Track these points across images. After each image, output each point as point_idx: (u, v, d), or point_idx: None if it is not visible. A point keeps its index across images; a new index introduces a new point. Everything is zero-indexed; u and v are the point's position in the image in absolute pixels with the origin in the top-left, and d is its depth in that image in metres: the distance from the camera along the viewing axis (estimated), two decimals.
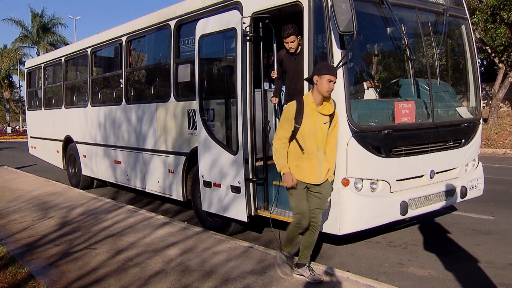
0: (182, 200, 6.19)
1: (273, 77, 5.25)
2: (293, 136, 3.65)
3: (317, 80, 3.59)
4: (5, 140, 34.18)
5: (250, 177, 4.91)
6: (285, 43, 4.82)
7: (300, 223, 3.69)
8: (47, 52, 30.66)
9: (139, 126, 6.95)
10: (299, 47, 4.79)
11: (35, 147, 11.59)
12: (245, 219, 4.89)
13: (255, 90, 5.02)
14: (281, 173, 3.68)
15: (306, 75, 4.27)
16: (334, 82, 3.60)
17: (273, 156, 3.75)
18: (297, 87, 4.77)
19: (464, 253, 4.73)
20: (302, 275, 3.79)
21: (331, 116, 3.69)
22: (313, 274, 3.76)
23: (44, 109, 10.76)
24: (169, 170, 6.37)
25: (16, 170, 11.91)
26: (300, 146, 3.64)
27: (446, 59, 5.96)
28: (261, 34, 4.99)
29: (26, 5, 61.00)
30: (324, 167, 3.72)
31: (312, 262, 3.92)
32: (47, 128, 10.56)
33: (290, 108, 3.67)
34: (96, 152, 8.38)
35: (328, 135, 3.71)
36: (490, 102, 18.01)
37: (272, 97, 5.23)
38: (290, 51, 4.84)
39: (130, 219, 6.02)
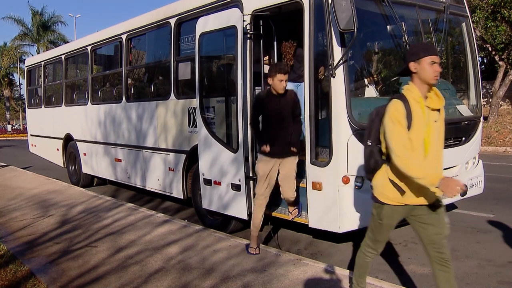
0: (182, 198, 6.20)
1: None
2: None
3: (416, 68, 2.72)
4: (5, 138, 34.22)
5: (251, 175, 4.90)
6: (278, 81, 4.20)
7: (378, 250, 3.10)
8: (47, 50, 30.68)
9: (139, 124, 6.95)
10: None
11: (35, 145, 11.59)
12: (245, 217, 4.89)
13: (256, 88, 5.01)
14: (437, 185, 2.62)
15: (307, 80, 4.24)
16: (439, 63, 2.73)
17: (410, 173, 2.67)
18: (280, 136, 4.28)
19: (464, 251, 4.73)
20: None
21: (439, 111, 2.81)
22: None
23: (44, 107, 10.75)
24: (169, 168, 6.37)
25: (17, 168, 11.91)
26: None
27: (446, 57, 5.94)
28: (261, 32, 4.98)
29: (26, 3, 61.15)
30: None
31: None
32: (47, 126, 10.56)
33: (399, 106, 2.69)
34: (97, 150, 8.38)
35: (438, 136, 2.81)
36: (491, 100, 18.01)
37: (263, 146, 4.41)
38: (280, 91, 4.25)
39: (131, 217, 6.03)
